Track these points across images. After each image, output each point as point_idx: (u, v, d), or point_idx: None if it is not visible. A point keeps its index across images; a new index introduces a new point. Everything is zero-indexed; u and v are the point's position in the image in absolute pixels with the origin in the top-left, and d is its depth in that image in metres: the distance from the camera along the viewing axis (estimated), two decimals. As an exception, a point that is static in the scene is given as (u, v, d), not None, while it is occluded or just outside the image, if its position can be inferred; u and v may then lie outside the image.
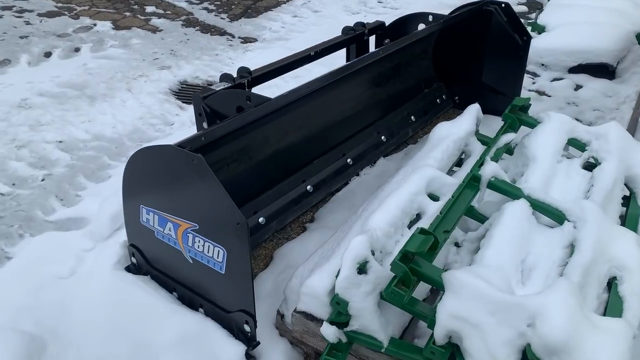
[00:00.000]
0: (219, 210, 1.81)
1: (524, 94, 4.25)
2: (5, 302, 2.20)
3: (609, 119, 3.92)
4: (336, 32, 3.46)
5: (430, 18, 3.38)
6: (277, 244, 2.66)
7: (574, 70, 4.50)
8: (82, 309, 2.20)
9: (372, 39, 3.53)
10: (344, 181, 3.06)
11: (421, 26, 3.42)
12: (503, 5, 3.49)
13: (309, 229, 2.78)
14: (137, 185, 2.09)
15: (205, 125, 2.51)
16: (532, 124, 2.55)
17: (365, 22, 3.45)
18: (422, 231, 1.72)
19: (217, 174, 2.40)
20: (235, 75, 2.68)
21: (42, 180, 3.06)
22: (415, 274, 1.67)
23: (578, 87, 4.34)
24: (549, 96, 4.22)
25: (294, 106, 2.61)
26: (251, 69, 2.74)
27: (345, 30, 3.35)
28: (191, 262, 2.04)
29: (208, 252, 1.95)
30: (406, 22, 3.50)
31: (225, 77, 2.63)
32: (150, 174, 2.01)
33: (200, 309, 2.14)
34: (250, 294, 1.89)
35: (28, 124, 3.58)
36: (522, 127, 2.65)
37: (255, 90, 3.09)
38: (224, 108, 2.46)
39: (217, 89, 2.51)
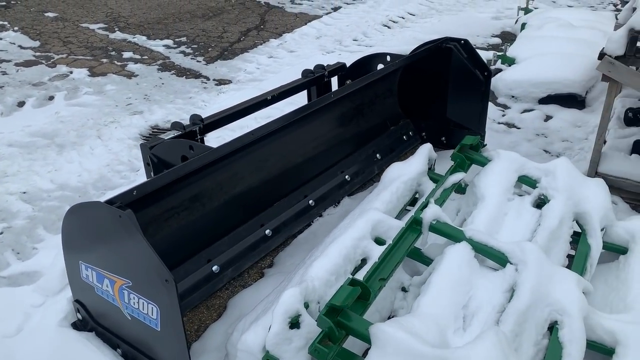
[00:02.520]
0: (147, 267, 1.78)
1: (492, 127, 4.25)
2: (-55, 366, 2.16)
3: (578, 150, 3.91)
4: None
5: (388, 58, 3.41)
6: (233, 292, 2.62)
7: (544, 101, 4.51)
8: (24, 369, 2.14)
9: (334, 80, 3.56)
10: (305, 223, 3.03)
11: (380, 66, 3.45)
12: (462, 42, 3.52)
13: (266, 275, 2.74)
14: (74, 241, 2.06)
15: (152, 174, 2.50)
16: (483, 162, 2.53)
17: (325, 64, 3.48)
18: (352, 282, 1.68)
19: (165, 224, 2.41)
20: (188, 122, 2.69)
21: (1, 233, 3.04)
22: (343, 327, 1.62)
23: (548, 118, 4.34)
24: (519, 128, 4.22)
25: (247, 151, 2.61)
26: (207, 115, 2.76)
27: (305, 73, 3.38)
28: (130, 318, 2.00)
29: (143, 309, 1.91)
30: (366, 63, 3.53)
31: (175, 125, 2.64)
32: (85, 230, 1.99)
33: (143, 366, 2.08)
34: (185, 353, 1.85)
35: (-6, 176, 3.58)
36: (475, 166, 2.64)
37: (226, 131, 3.09)
38: (171, 157, 2.46)
39: (166, 138, 2.51)
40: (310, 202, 3.06)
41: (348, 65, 3.59)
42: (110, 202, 1.85)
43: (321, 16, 7.09)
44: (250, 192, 2.81)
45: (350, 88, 3.02)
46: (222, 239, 2.63)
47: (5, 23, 6.34)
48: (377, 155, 3.55)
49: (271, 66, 5.54)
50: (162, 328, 1.88)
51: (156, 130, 4.31)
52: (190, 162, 2.15)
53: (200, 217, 2.55)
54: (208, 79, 5.24)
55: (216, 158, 2.29)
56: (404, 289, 2.12)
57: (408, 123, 3.87)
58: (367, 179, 3.46)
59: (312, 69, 3.41)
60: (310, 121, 3.06)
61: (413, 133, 3.87)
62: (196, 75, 5.30)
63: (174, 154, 2.41)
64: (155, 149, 2.44)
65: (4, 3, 7.04)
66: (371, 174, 3.48)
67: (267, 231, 2.82)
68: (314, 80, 3.38)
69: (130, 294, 1.92)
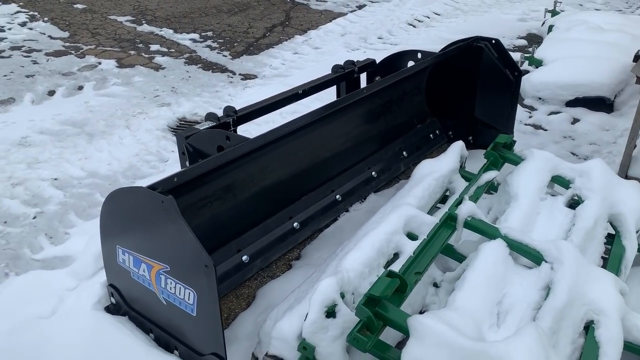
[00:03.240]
0: (187, 252, 1.81)
1: (519, 128, 4.24)
2: (-17, 345, 2.21)
3: (606, 153, 3.88)
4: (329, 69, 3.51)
5: (419, 55, 3.41)
6: (261, 282, 2.64)
7: (571, 103, 4.48)
8: (59, 350, 2.18)
9: (363, 77, 3.57)
10: (332, 217, 3.05)
11: (410, 63, 3.45)
12: (493, 41, 3.51)
13: (294, 267, 2.76)
14: (113, 226, 2.10)
15: (187, 164, 2.53)
16: (516, 161, 2.52)
17: (355, 60, 3.49)
18: (389, 274, 1.69)
19: (199, 213, 2.44)
20: (221, 114, 2.72)
21: (34, 218, 3.10)
22: (380, 318, 1.63)
23: (575, 121, 4.31)
24: (546, 130, 4.19)
25: (278, 144, 2.63)
26: (237, 108, 2.78)
27: (335, 68, 3.39)
28: (165, 303, 2.03)
29: (180, 294, 1.94)
30: (396, 60, 3.54)
31: (210, 116, 2.67)
32: (125, 215, 2.02)
33: (176, 351, 2.11)
34: (221, 338, 1.87)
35: (26, 162, 3.65)
36: (507, 164, 2.63)
37: (253, 125, 3.12)
38: (206, 147, 2.49)
39: (201, 129, 2.54)
40: (337, 197, 3.08)
41: (378, 61, 3.60)
42: (151, 188, 1.89)
43: (346, 14, 7.09)
44: (280, 185, 2.83)
45: (382, 84, 3.03)
46: (251, 230, 2.66)
47: (36, 13, 6.44)
48: (404, 152, 3.56)
49: (296, 62, 5.56)
50: (198, 313, 1.90)
51: (183, 122, 4.36)
52: (229, 151, 2.18)
53: (232, 208, 2.58)
54: (234, 73, 5.28)
55: (252, 149, 2.31)
56: (435, 285, 2.13)
57: (435, 121, 3.87)
58: (393, 176, 3.47)
59: (342, 64, 3.42)
60: (340, 117, 3.08)
61: (440, 132, 3.86)
62: (222, 69, 5.34)
63: (209, 144, 2.44)
64: (191, 138, 2.48)
65: (34, -6, 7.15)
66: (397, 171, 3.49)
67: (295, 224, 2.84)
68: (344, 75, 3.39)
69: (168, 278, 1.95)
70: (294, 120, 2.56)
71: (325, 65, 5.30)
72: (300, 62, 5.56)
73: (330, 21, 6.76)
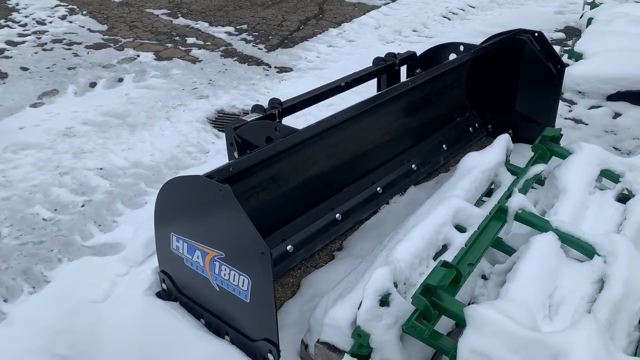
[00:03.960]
0: (244, 239, 1.85)
1: (559, 122, 4.18)
2: (42, 326, 2.29)
3: (650, 148, 3.81)
4: (369, 61, 3.52)
5: (462, 48, 3.39)
6: (305, 272, 2.68)
7: (613, 97, 4.40)
8: (113, 332, 2.26)
9: (403, 69, 3.57)
10: (373, 209, 3.07)
11: (452, 56, 3.44)
12: (536, 34, 3.47)
13: (337, 257, 2.80)
14: (168, 214, 2.16)
15: (236, 154, 2.58)
16: (564, 154, 2.51)
17: (396, 52, 3.50)
18: (444, 264, 1.71)
19: (246, 203, 2.49)
20: (266, 106, 2.76)
21: (82, 206, 3.19)
22: (436, 307, 1.66)
23: (617, 115, 4.23)
24: (586, 124, 4.13)
25: (322, 136, 2.65)
26: (282, 100, 2.82)
27: (376, 60, 3.40)
28: (218, 289, 2.08)
29: (234, 281, 1.99)
30: (437, 52, 3.53)
31: (256, 108, 2.71)
32: (180, 203, 2.08)
33: (226, 337, 2.17)
34: (274, 324, 1.91)
35: (72, 152, 3.75)
36: (554, 158, 2.62)
37: (290, 117, 3.17)
38: (254, 138, 2.53)
39: (248, 120, 2.59)
40: (378, 189, 3.10)
41: (419, 54, 3.60)
42: (208, 176, 1.93)
43: (380, 6, 7.07)
44: (322, 177, 2.86)
45: (425, 77, 3.03)
46: (295, 221, 2.70)
47: (75, 7, 6.58)
48: (444, 145, 3.55)
49: (331, 55, 5.58)
50: (251, 299, 1.95)
51: (222, 114, 4.42)
52: (281, 141, 2.22)
53: (276, 198, 2.62)
54: (270, 66, 5.32)
55: (301, 140, 2.35)
56: (484, 277, 2.14)
57: (474, 115, 3.85)
58: (433, 169, 3.47)
59: (383, 57, 3.43)
60: (381, 110, 3.09)
61: (479, 125, 3.85)
62: (258, 62, 5.39)
63: (258, 135, 2.48)
64: (239, 130, 2.52)
65: (72, -12, 7.29)
66: (437, 164, 3.49)
67: (337, 215, 2.87)
68: (385, 68, 3.40)
69: (222, 265, 2.00)
70: (340, 112, 2.59)
71: (360, 58, 5.33)
72: (335, 54, 5.57)
73: (364, 14, 6.75)
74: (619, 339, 1.66)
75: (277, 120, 2.74)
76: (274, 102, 2.78)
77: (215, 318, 2.19)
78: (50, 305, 2.41)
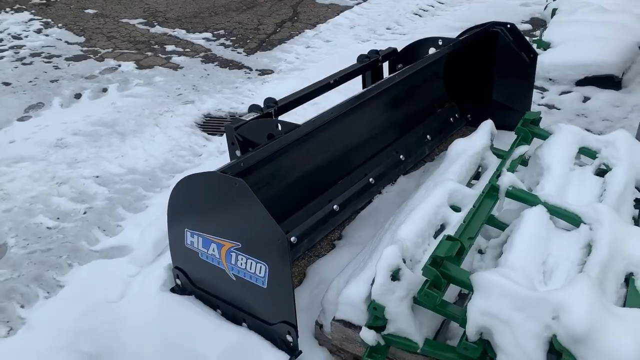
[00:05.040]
0: (260, 228, 1.98)
1: (534, 108, 4.40)
2: (63, 327, 2.37)
3: (618, 128, 4.05)
4: (348, 60, 3.67)
5: (440, 42, 3.58)
6: (309, 261, 2.82)
7: (581, 83, 4.66)
8: (134, 328, 2.35)
9: (385, 65, 3.73)
10: (367, 199, 3.22)
11: (432, 50, 3.62)
12: (508, 25, 3.68)
13: (337, 246, 2.94)
14: (182, 210, 2.27)
15: (238, 153, 2.70)
16: (544, 135, 2.70)
17: (378, 49, 3.66)
18: (449, 238, 1.87)
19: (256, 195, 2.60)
20: (262, 105, 2.88)
21: (84, 213, 3.26)
22: (445, 277, 1.81)
23: (586, 99, 4.49)
24: (559, 109, 4.37)
25: (318, 131, 2.79)
26: (277, 99, 2.95)
27: (361, 58, 3.56)
28: (234, 279, 2.20)
29: (250, 269, 2.11)
30: (417, 47, 3.70)
31: (254, 107, 2.83)
32: (195, 199, 2.19)
33: (244, 323, 2.29)
34: (292, 305, 2.04)
35: (66, 162, 3.80)
36: (535, 140, 2.81)
37: (280, 116, 3.29)
38: (255, 136, 2.65)
39: (248, 119, 2.71)
40: (371, 180, 3.25)
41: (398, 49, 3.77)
42: (222, 172, 2.05)
43: (352, 7, 7.25)
44: (319, 170, 3.00)
45: (409, 71, 3.20)
46: (296, 213, 2.83)
47: (49, 20, 6.58)
48: (427, 136, 3.73)
49: (310, 55, 5.72)
50: (269, 285, 2.07)
51: (209, 118, 4.52)
52: (285, 136, 2.35)
53: (279, 192, 2.75)
54: (251, 69, 5.43)
55: (304, 134, 2.48)
56: (480, 252, 2.31)
57: (454, 105, 4.04)
58: (420, 158, 3.64)
59: (366, 54, 3.59)
60: (368, 104, 3.25)
61: (459, 115, 4.04)
62: (239, 66, 5.50)
63: (259, 132, 2.60)
64: (240, 129, 2.64)
65: (44, 1, 7.27)
66: (422, 154, 3.67)
67: (335, 206, 3.01)
68: (369, 65, 3.56)
69: (239, 255, 2.12)
70: (335, 107, 2.73)
71: (339, 57, 5.50)
72: (314, 55, 5.72)
73: (338, 14, 6.92)
74: (609, 294, 1.84)
75: (274, 118, 2.87)
76: (269, 101, 2.91)
77: (231, 307, 2.31)
78: (68, 307, 2.49)
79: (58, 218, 3.21)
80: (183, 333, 2.30)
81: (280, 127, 2.50)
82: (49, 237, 3.04)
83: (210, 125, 4.43)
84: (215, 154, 3.93)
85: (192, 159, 3.88)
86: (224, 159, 3.73)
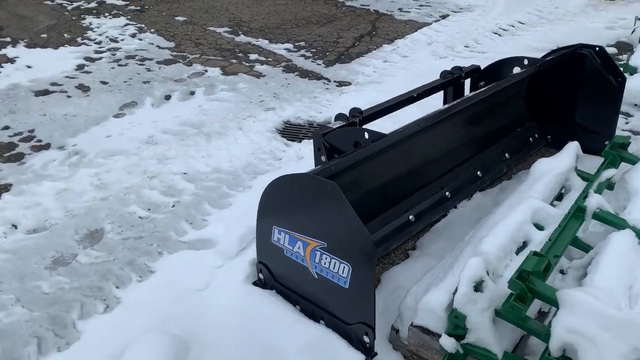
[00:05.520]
0: (348, 230, 2.07)
1: (617, 133, 4.28)
2: (154, 309, 2.56)
3: None
4: (426, 76, 3.73)
5: (526, 62, 3.57)
6: (383, 268, 2.89)
7: (671, 110, 4.49)
8: (217, 317, 2.51)
9: (467, 82, 3.77)
10: (442, 213, 3.26)
11: (516, 69, 3.62)
12: (597, 48, 3.63)
13: (412, 256, 3.00)
14: (272, 208, 2.40)
15: (323, 158, 2.82)
16: (633, 160, 2.66)
17: (461, 66, 3.70)
18: (535, 253, 1.89)
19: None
20: (348, 114, 3.00)
21: (173, 206, 3.48)
22: (531, 291, 1.84)
23: (675, 127, 4.32)
24: (645, 136, 4.23)
25: (403, 141, 2.87)
26: (362, 109, 3.06)
27: (444, 73, 3.62)
28: (316, 277, 2.31)
29: (334, 268, 2.21)
30: (501, 66, 3.71)
31: (340, 116, 2.95)
32: (286, 198, 2.32)
33: (322, 321, 2.38)
34: (372, 307, 2.12)
35: (156, 158, 4.07)
36: (623, 164, 2.76)
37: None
38: (341, 143, 2.76)
39: (334, 127, 2.83)
40: (447, 193, 3.28)
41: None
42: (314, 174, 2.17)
43: (430, 23, 7.30)
44: (398, 180, 3.07)
45: (493, 89, 3.22)
46: (374, 220, 2.91)
47: (143, 25, 7.03)
48: (506, 154, 3.72)
49: (387, 70, 5.82)
50: (350, 286, 2.16)
51: (289, 125, 4.69)
52: (373, 145, 2.45)
53: (360, 198, 2.84)
54: (329, 80, 5.59)
55: (390, 144, 2.57)
56: (562, 272, 2.30)
57: (533, 125, 4.01)
58: (497, 176, 3.64)
59: (449, 70, 3.64)
60: (451, 119, 3.29)
61: (538, 135, 4.00)
62: (318, 77, 5.67)
63: (346, 140, 2.71)
64: (328, 136, 2.76)
65: (138, 8, 7.77)
66: (500, 171, 3.66)
67: (411, 217, 3.07)
68: (452, 80, 3.61)
69: (323, 254, 2.22)
70: (420, 119, 2.81)
71: (416, 73, 5.56)
72: (391, 69, 5.81)
73: (416, 31, 6.98)
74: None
75: (359, 127, 2.97)
76: (354, 111, 3.02)
77: (311, 304, 2.42)
78: (158, 292, 2.68)
79: (149, 209, 3.45)
80: (263, 326, 2.42)
81: (367, 136, 2.60)
82: (141, 226, 3.27)
83: (290, 131, 4.60)
84: (294, 159, 4.08)
85: (272, 162, 4.04)
86: (303, 164, 3.89)
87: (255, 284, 2.66)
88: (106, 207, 3.44)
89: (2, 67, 5.60)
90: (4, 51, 5.99)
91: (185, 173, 3.87)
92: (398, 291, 2.64)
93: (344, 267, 2.17)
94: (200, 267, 2.85)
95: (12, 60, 5.77)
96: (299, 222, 2.30)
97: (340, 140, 2.76)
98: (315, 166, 2.85)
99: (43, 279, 2.80)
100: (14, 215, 3.31)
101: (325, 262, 2.24)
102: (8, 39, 6.36)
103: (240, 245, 2.92)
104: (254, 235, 2.92)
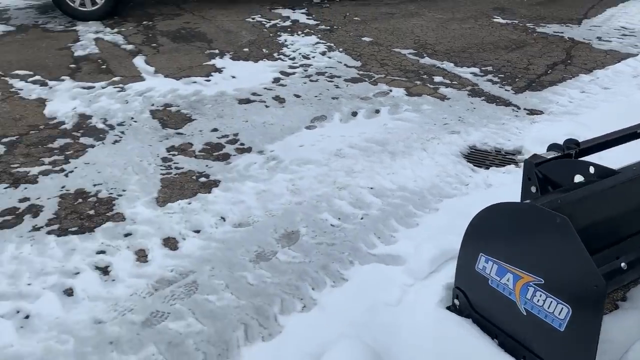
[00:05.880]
0: (574, 269, 1.94)
1: None
2: (349, 316, 2.63)
3: None
4: (630, 110, 3.37)
5: None
6: (589, 315, 2.65)
7: None
8: (410, 335, 2.50)
9: (698, 121, 3.33)
10: (659, 265, 2.90)
11: None
12: None
13: (621, 307, 2.73)
14: (482, 235, 2.34)
15: (533, 189, 2.68)
16: None
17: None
18: None
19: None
20: (562, 145, 2.82)
21: (361, 218, 3.57)
22: None
23: None
24: None
25: (630, 180, 2.62)
26: (578, 141, 2.86)
27: (673, 110, 3.25)
28: (524, 314, 2.19)
29: (549, 308, 2.07)
30: None
31: (554, 146, 2.79)
32: (499, 227, 2.24)
33: (523, 359, 2.26)
34: (592, 357, 1.95)
35: (344, 170, 4.22)
36: None
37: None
38: (556, 175, 2.61)
39: (549, 157, 2.68)
40: (666, 244, 2.92)
41: None
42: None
43: (636, 55, 6.66)
44: (612, 221, 2.80)
45: None
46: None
47: (332, 44, 7.40)
48: None
49: (585, 101, 5.41)
50: (567, 330, 2.01)
51: (474, 150, 4.57)
52: (602, 181, 2.28)
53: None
54: (518, 107, 5.35)
55: (620, 182, 2.36)
56: None
57: None
58: None
59: (679, 107, 3.26)
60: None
61: None
62: (506, 103, 5.46)
63: (562, 172, 2.56)
64: (541, 166, 2.63)
65: (328, 28, 8.21)
66: None
67: (623, 264, 2.77)
68: (682, 118, 3.22)
69: (537, 291, 2.10)
70: (650, 159, 2.54)
71: (620, 106, 5.09)
72: (590, 101, 5.39)
73: (619, 61, 6.41)
74: None
75: (573, 159, 2.78)
76: (570, 142, 2.83)
77: (512, 340, 2.29)
78: (352, 300, 2.76)
79: (339, 218, 3.58)
80: (458, 354, 2.36)
81: (592, 171, 2.42)
82: (333, 234, 3.40)
83: (476, 157, 4.48)
84: (482, 186, 3.96)
85: (459, 186, 3.97)
86: (493, 192, 3.76)
87: (449, 308, 2.61)
88: (300, 212, 3.64)
89: (212, 75, 6.27)
90: (213, 61, 6.71)
91: (372, 188, 3.96)
92: (605, 344, 2.40)
93: (562, 308, 2.03)
94: (391, 282, 2.87)
95: (219, 70, 6.44)
96: (512, 253, 2.20)
97: (556, 172, 2.61)
98: (523, 196, 2.74)
99: (248, 270, 3.05)
100: (222, 209, 3.66)
101: (538, 300, 2.11)
102: (216, 51, 7.11)
103: (432, 266, 2.89)
104: (447, 258, 2.90)
